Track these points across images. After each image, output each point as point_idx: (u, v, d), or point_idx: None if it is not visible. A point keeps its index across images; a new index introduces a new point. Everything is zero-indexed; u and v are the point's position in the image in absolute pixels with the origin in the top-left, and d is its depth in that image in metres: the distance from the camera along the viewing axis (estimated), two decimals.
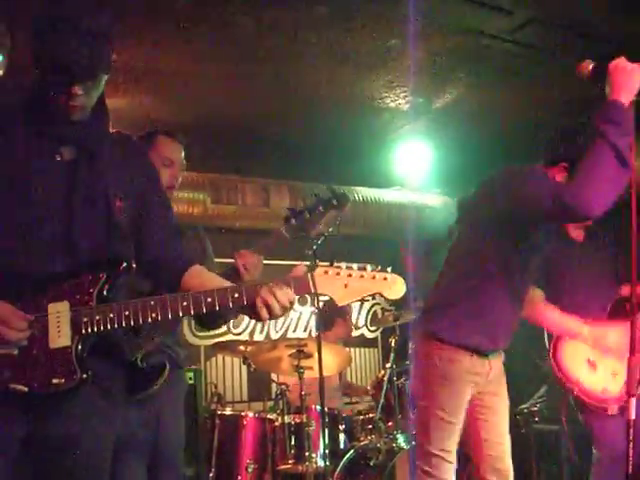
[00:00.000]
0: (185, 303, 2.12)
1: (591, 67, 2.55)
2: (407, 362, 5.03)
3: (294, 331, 7.24)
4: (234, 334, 6.82)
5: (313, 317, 7.18)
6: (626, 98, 2.46)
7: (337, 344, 5.68)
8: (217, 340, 6.39)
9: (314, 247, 4.23)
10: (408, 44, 4.75)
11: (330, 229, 4.38)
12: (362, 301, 7.73)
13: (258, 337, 6.99)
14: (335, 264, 2.31)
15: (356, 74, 5.28)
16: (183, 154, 3.22)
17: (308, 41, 4.77)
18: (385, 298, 2.39)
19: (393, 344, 5.11)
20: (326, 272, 2.31)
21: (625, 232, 3.29)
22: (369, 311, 7.79)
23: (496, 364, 3.04)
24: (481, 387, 2.98)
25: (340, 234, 4.38)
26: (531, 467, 5.03)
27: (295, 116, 5.95)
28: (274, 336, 7.10)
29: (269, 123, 6.04)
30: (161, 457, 3.06)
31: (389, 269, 2.34)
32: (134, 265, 2.20)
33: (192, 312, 2.13)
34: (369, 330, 7.76)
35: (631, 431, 2.41)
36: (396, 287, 2.32)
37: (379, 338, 7.76)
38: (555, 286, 3.57)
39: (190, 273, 2.29)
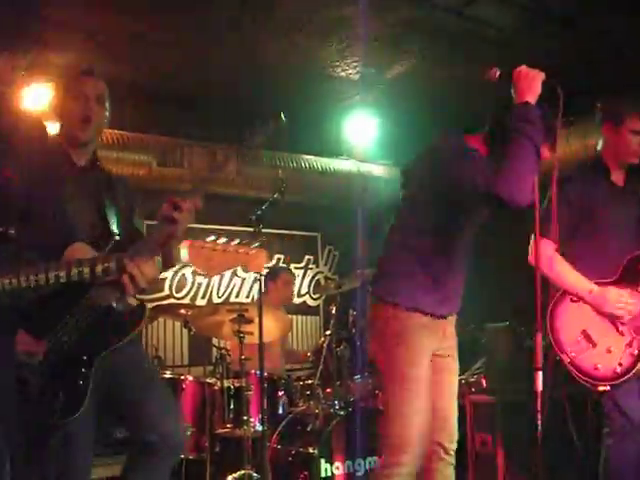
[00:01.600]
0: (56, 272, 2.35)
1: (498, 74, 2.80)
2: (347, 330, 5.08)
3: (237, 296, 7.24)
4: (176, 298, 6.81)
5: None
6: (532, 100, 2.74)
7: (279, 310, 5.73)
8: (158, 303, 6.36)
9: (258, 212, 4.24)
10: (362, 14, 4.75)
11: (275, 195, 4.39)
12: (305, 269, 7.78)
13: (200, 302, 6.98)
14: (203, 239, 2.37)
15: (308, 41, 5.26)
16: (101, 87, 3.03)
17: (261, 7, 4.72)
18: (247, 270, 2.49)
19: (334, 312, 5.14)
20: (192, 245, 2.37)
21: None
22: (312, 279, 7.84)
23: (450, 323, 3.11)
24: (437, 344, 3.02)
25: (285, 201, 4.40)
26: (466, 437, 5.14)
27: (246, 81, 5.90)
28: (216, 301, 7.10)
29: (220, 88, 5.99)
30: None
31: (256, 243, 2.44)
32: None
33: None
34: (312, 298, 7.80)
35: (539, 402, 2.55)
36: (258, 261, 2.43)
37: (321, 306, 7.82)
38: (586, 228, 3.52)
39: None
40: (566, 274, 3.49)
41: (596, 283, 3.45)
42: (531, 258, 3.49)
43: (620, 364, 3.34)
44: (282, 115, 3.25)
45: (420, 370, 2.93)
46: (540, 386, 2.62)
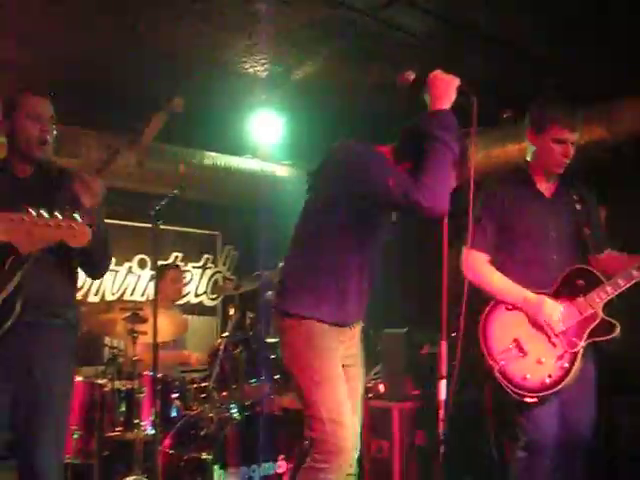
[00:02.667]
0: None
1: (412, 78, 2.76)
2: (244, 332, 4.99)
3: (131, 294, 7.04)
4: None
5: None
6: (446, 106, 2.70)
7: (174, 310, 5.58)
8: None
9: (157, 208, 4.12)
10: (273, 11, 4.66)
11: (175, 191, 4.27)
12: (203, 268, 7.64)
13: (92, 299, 6.75)
14: (21, 210, 2.35)
15: (217, 35, 5.11)
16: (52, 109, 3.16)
17: None
18: (69, 245, 2.48)
19: (232, 313, 5.04)
20: (11, 219, 2.34)
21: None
22: (210, 279, 7.70)
23: (356, 330, 3.09)
24: (344, 350, 3.00)
25: (186, 198, 4.28)
26: (362, 442, 5.12)
27: (150, 72, 5.71)
28: (109, 298, 6.88)
29: (123, 77, 5.77)
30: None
31: (77, 217, 2.44)
32: None
33: None
34: (209, 298, 7.67)
35: (442, 411, 2.55)
36: (81, 236, 2.44)
37: (219, 307, 7.69)
38: (513, 240, 3.50)
39: None
40: (499, 282, 3.48)
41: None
42: (465, 269, 3.47)
43: (549, 376, 3.32)
44: (176, 101, 3.19)
45: (336, 370, 2.89)
46: (443, 395, 2.59)
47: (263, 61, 5.57)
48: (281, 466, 4.40)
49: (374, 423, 5.10)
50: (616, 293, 3.37)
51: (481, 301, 3.52)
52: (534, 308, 3.39)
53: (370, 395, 5.30)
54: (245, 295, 5.36)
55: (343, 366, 2.98)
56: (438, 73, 2.74)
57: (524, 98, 3.71)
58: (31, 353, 2.90)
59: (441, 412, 2.57)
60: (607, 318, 3.36)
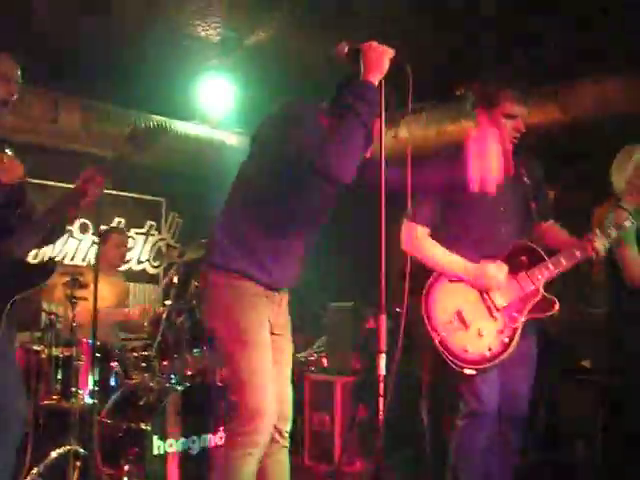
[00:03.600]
0: None
1: (346, 50, 2.70)
2: (187, 301, 4.91)
3: (72, 259, 6.88)
4: None
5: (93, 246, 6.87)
6: (376, 78, 2.66)
7: (115, 276, 5.46)
8: None
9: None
10: None
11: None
12: (147, 235, 7.50)
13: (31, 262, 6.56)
14: None
15: None
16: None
17: None
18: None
19: (175, 281, 4.94)
20: None
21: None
22: (153, 246, 7.57)
23: (284, 299, 3.08)
24: (273, 317, 2.98)
25: (131, 162, 4.15)
26: (304, 415, 5.12)
27: (99, 32, 5.53)
28: None
29: (71, 35, 5.57)
30: None
31: (8, 151, 2.59)
32: None
33: None
34: (152, 266, 7.53)
35: (382, 385, 2.48)
36: (12, 171, 2.57)
37: (161, 274, 7.56)
38: (461, 214, 3.47)
39: None
40: (439, 255, 3.46)
41: None
42: (403, 242, 3.48)
43: (490, 349, 3.34)
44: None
45: (261, 335, 2.87)
46: (383, 369, 2.54)
47: (215, 24, 5.45)
48: (221, 437, 4.35)
49: (316, 396, 5.10)
50: (557, 271, 3.40)
51: (426, 274, 3.51)
52: (477, 275, 3.38)
53: (313, 368, 5.29)
54: (189, 263, 5.26)
55: (272, 334, 2.97)
56: (372, 44, 2.68)
57: (479, 74, 3.68)
58: None
59: (381, 387, 2.52)
60: (547, 295, 3.39)
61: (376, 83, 2.65)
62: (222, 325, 2.89)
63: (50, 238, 3.21)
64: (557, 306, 3.37)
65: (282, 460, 3.06)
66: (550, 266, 3.39)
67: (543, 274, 3.40)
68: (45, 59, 5.71)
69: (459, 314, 3.40)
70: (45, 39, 5.60)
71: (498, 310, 3.39)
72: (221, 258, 2.91)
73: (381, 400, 2.52)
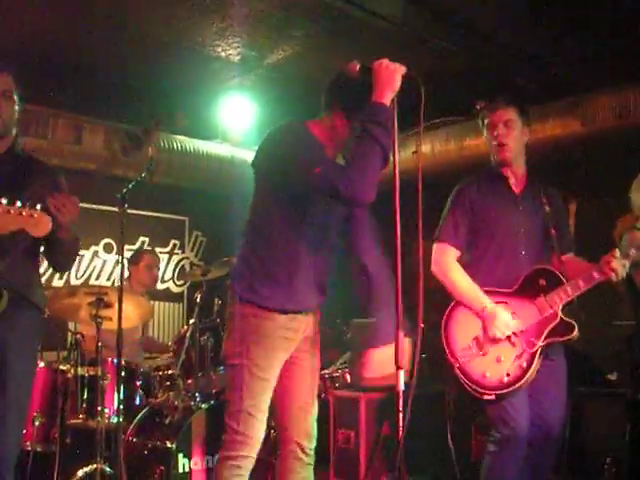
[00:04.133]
0: None
1: (358, 68, 2.73)
2: (211, 319, 4.93)
3: (97, 279, 6.93)
4: None
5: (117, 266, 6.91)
6: (388, 96, 2.68)
7: (142, 296, 5.49)
8: None
9: (124, 191, 4.04)
10: None
11: (142, 174, 4.20)
12: (171, 254, 7.54)
13: (57, 283, 6.62)
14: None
15: (189, 16, 5.04)
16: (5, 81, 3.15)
17: None
18: (30, 233, 2.55)
19: (198, 300, 4.97)
20: None
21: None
22: (177, 264, 7.61)
23: (311, 320, 3.07)
24: (296, 344, 3.00)
25: (154, 182, 4.20)
26: (328, 432, 5.09)
27: (121, 54, 5.62)
28: (74, 282, 6.75)
29: (93, 58, 5.67)
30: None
31: (38, 207, 2.48)
32: None
33: None
34: (176, 284, 7.57)
35: (401, 402, 2.50)
36: (41, 225, 2.49)
37: (185, 293, 7.60)
38: (483, 235, 3.52)
39: None
40: (463, 285, 3.49)
41: (496, 292, 3.45)
42: (433, 263, 3.51)
43: (508, 374, 3.34)
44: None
45: (273, 373, 2.93)
46: (402, 385, 2.55)
47: (236, 45, 5.50)
48: None
49: (341, 413, 5.07)
50: (575, 295, 3.37)
51: (448, 295, 3.54)
52: (489, 317, 3.40)
53: (337, 385, 5.27)
54: (212, 281, 5.29)
55: (296, 354, 3.01)
56: (383, 61, 2.70)
57: (499, 88, 3.70)
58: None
59: (399, 403, 2.53)
60: (566, 319, 3.36)
61: (389, 101, 2.68)
62: (238, 354, 2.92)
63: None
64: (576, 331, 3.34)
65: (306, 477, 3.08)
66: (568, 289, 3.38)
67: (561, 298, 3.37)
68: (68, 82, 5.82)
69: (477, 340, 3.42)
70: (69, 63, 5.69)
71: (516, 335, 3.38)
72: (245, 291, 2.94)
73: (400, 416, 2.53)
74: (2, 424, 2.93)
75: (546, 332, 3.36)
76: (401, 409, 2.53)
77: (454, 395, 4.88)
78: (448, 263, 3.52)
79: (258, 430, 2.90)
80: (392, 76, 2.68)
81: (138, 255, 5.79)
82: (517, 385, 3.31)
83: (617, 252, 3.34)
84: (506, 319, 3.39)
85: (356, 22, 4.94)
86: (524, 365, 3.33)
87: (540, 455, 3.47)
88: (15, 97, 3.13)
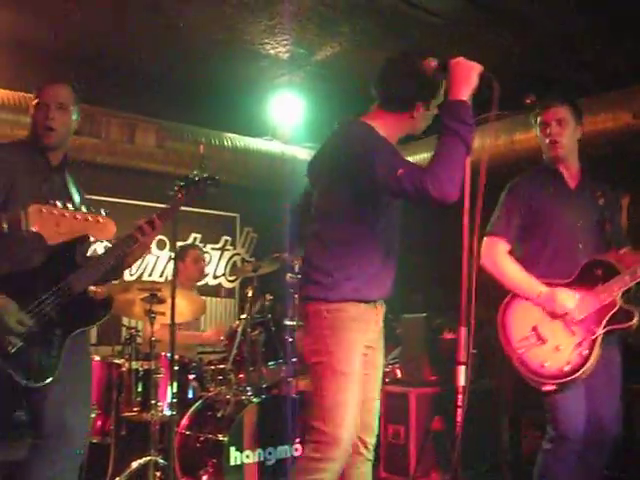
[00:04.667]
0: None
1: (434, 64, 2.75)
2: (263, 314, 4.97)
3: (149, 275, 7.04)
4: None
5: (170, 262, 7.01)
6: (466, 94, 2.68)
7: (192, 291, 5.57)
8: None
9: (176, 188, 4.08)
10: None
11: (194, 172, 4.24)
12: (222, 250, 7.62)
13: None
14: (50, 203, 2.46)
15: (238, 15, 5.09)
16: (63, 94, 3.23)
17: None
18: (95, 238, 2.72)
19: (250, 295, 5.02)
20: (40, 210, 2.45)
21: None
22: (229, 261, 7.69)
23: (380, 311, 3.03)
24: (370, 336, 2.96)
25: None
26: (379, 428, 5.11)
27: (171, 53, 5.70)
28: (128, 279, 6.87)
29: (144, 57, 5.77)
30: None
31: (103, 212, 2.56)
32: None
33: None
34: (227, 280, 7.66)
35: (460, 397, 2.51)
36: (107, 230, 2.58)
37: (237, 289, 7.68)
38: (541, 229, 3.52)
39: None
40: (514, 275, 3.48)
41: (550, 284, 3.42)
42: (483, 257, 3.49)
43: (568, 363, 3.30)
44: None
45: (353, 366, 2.87)
46: (462, 381, 2.56)
47: (285, 42, 5.53)
48: (297, 449, 4.40)
49: (391, 408, 5.08)
50: (633, 282, 3.34)
51: (503, 289, 3.52)
52: (548, 302, 3.38)
53: (387, 380, 5.28)
54: (263, 277, 5.34)
55: (366, 348, 2.96)
56: (460, 60, 2.71)
57: (549, 82, 3.67)
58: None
59: (459, 398, 2.53)
60: (625, 306, 3.33)
61: (466, 98, 2.67)
62: (318, 354, 2.90)
63: (106, 277, 3.34)
64: (636, 318, 3.30)
65: (365, 472, 3.05)
66: (627, 277, 3.34)
67: (619, 286, 3.35)
68: (119, 82, 5.92)
69: (535, 329, 3.38)
70: (120, 64, 5.80)
71: (575, 324, 3.34)
72: (316, 291, 2.93)
73: (459, 411, 2.54)
74: (75, 414, 3.04)
75: (606, 320, 3.33)
76: (460, 404, 2.54)
77: (506, 391, 4.86)
78: (498, 255, 3.51)
79: (346, 430, 2.81)
80: (469, 74, 2.68)
81: (184, 251, 5.86)
82: (578, 374, 3.27)
83: None
84: (565, 295, 3.36)
85: (404, 17, 4.93)
86: (585, 353, 3.30)
87: (595, 453, 3.43)
88: (72, 108, 3.22)
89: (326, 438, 2.81)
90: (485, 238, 3.53)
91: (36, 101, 3.18)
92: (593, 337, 3.32)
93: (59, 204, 2.46)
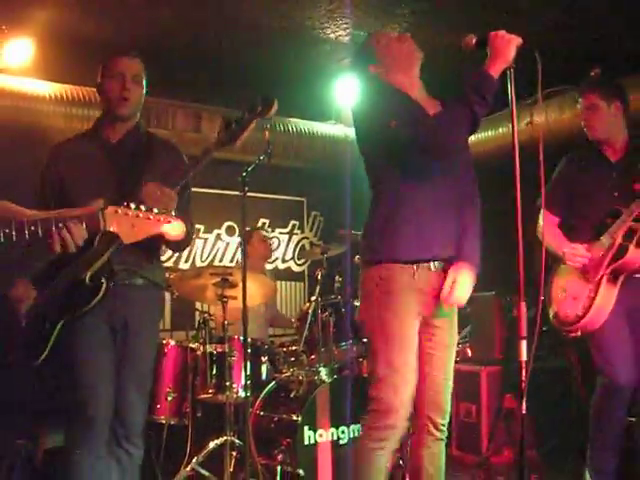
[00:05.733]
0: None
1: (474, 41, 2.77)
2: (332, 296, 5.03)
3: (220, 260, 7.18)
4: None
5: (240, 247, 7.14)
6: (499, 67, 2.69)
7: (263, 274, 5.67)
8: None
9: (244, 175, 4.15)
10: None
11: (261, 157, 4.29)
12: (290, 234, 7.72)
13: (183, 266, 6.92)
14: (125, 204, 2.53)
15: (297, 1, 5.12)
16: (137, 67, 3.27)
17: None
18: (167, 237, 2.81)
19: (319, 277, 5.09)
20: (116, 211, 2.53)
21: None
22: (297, 244, 7.78)
23: (440, 276, 2.95)
24: (430, 309, 2.95)
25: (271, 164, 4.31)
26: (451, 407, 5.14)
27: (233, 42, 5.78)
28: (199, 264, 7.03)
29: (206, 48, 5.86)
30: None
31: (173, 212, 2.62)
32: None
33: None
34: (296, 264, 7.75)
35: (524, 372, 2.55)
36: (177, 229, 2.73)
37: (306, 272, 7.77)
38: (581, 203, 3.81)
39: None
40: (550, 240, 3.77)
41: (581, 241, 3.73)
42: (538, 230, 3.88)
43: (583, 307, 3.63)
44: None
45: (405, 330, 2.89)
46: (525, 355, 2.58)
47: (345, 26, 5.55)
48: None
49: (462, 387, 5.09)
50: (631, 218, 3.59)
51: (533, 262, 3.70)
52: (570, 259, 3.71)
53: (458, 359, 5.29)
54: (332, 259, 5.40)
55: (431, 326, 2.97)
56: (499, 32, 2.70)
57: (615, 54, 3.62)
58: (121, 312, 3.12)
59: (523, 373, 2.55)
60: (623, 243, 3.59)
61: (499, 72, 2.68)
62: (371, 319, 2.94)
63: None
64: (629, 252, 3.54)
65: (437, 453, 3.06)
66: (624, 217, 3.60)
67: (619, 226, 3.60)
68: (184, 73, 6.03)
69: (563, 287, 3.75)
70: (184, 56, 5.91)
71: (587, 272, 3.66)
72: (367, 254, 2.99)
73: (523, 385, 2.55)
74: (125, 397, 3.09)
75: (607, 260, 3.61)
76: (524, 379, 2.56)
77: (577, 368, 4.83)
78: (543, 226, 3.80)
79: (402, 396, 2.84)
80: (507, 47, 2.67)
81: (248, 234, 5.96)
82: (589, 314, 3.59)
83: None
84: (577, 249, 3.68)
85: None
86: (592, 295, 3.62)
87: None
88: (144, 82, 3.27)
89: (381, 406, 2.86)
90: (539, 212, 3.82)
91: (109, 71, 3.21)
92: (596, 279, 3.62)
93: (132, 205, 2.53)
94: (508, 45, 2.67)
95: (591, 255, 3.66)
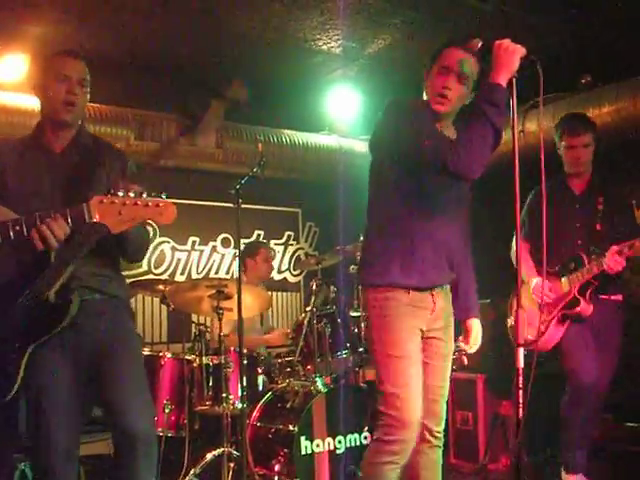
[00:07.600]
0: None
1: (479, 46, 2.79)
2: (327, 307, 5.04)
3: (216, 272, 7.18)
4: (154, 274, 6.72)
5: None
6: (505, 76, 2.71)
7: (258, 286, 5.67)
8: (137, 279, 6.27)
9: (237, 187, 4.17)
10: None
11: (255, 169, 4.31)
12: (286, 245, 7.72)
13: (179, 278, 6.91)
14: (112, 192, 2.46)
15: (289, 13, 5.15)
16: (83, 69, 3.01)
17: None
18: (157, 223, 2.60)
19: (314, 288, 5.09)
20: (101, 201, 2.45)
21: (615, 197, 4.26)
22: (292, 255, 7.79)
23: (440, 297, 3.05)
24: (427, 322, 3.00)
25: (265, 176, 4.33)
26: (447, 415, 5.15)
27: (225, 54, 5.81)
28: (195, 276, 7.03)
29: (199, 60, 5.89)
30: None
31: (164, 195, 2.52)
32: None
33: None
34: (292, 274, 7.75)
35: (520, 379, 2.58)
36: (168, 213, 2.52)
37: (301, 282, 7.77)
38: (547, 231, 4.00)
39: None
40: (525, 265, 4.12)
41: (548, 272, 4.09)
42: (512, 254, 4.28)
43: (534, 334, 3.76)
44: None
45: (409, 350, 2.93)
46: (521, 363, 2.60)
47: (336, 37, 5.58)
48: (366, 437, 4.46)
49: (458, 395, 5.11)
50: (586, 279, 4.08)
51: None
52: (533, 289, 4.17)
53: (454, 367, 5.30)
54: (327, 270, 5.41)
55: (428, 338, 3.01)
56: (503, 42, 2.72)
57: (604, 62, 3.65)
58: (86, 335, 2.90)
59: (519, 380, 2.57)
60: (577, 296, 4.09)
61: (505, 81, 2.70)
62: (374, 339, 2.99)
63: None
64: (578, 307, 4.08)
65: (433, 459, 3.10)
66: (580, 274, 4.09)
67: (579, 278, 4.10)
68: (176, 85, 6.06)
69: (523, 308, 3.81)
70: (176, 69, 5.94)
71: (543, 305, 4.08)
72: (368, 277, 3.02)
73: (520, 393, 2.56)
74: (129, 407, 2.90)
75: (561, 305, 4.14)
76: (521, 387, 2.58)
77: None
78: (516, 250, 3.84)
79: (410, 411, 2.88)
80: (511, 57, 2.69)
81: (255, 248, 5.95)
82: (538, 342, 3.93)
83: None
84: (543, 288, 3.88)
85: (454, 5, 4.93)
86: (542, 329, 4.09)
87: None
88: (88, 88, 2.99)
89: (393, 421, 2.88)
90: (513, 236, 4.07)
91: (53, 71, 2.93)
92: (550, 317, 4.15)
93: (120, 193, 2.46)
94: (512, 56, 2.70)
95: (552, 293, 4.16)
